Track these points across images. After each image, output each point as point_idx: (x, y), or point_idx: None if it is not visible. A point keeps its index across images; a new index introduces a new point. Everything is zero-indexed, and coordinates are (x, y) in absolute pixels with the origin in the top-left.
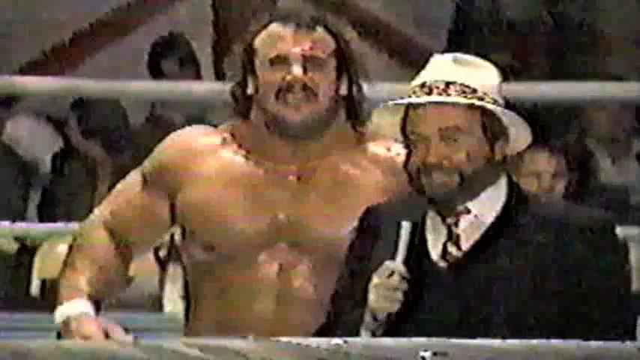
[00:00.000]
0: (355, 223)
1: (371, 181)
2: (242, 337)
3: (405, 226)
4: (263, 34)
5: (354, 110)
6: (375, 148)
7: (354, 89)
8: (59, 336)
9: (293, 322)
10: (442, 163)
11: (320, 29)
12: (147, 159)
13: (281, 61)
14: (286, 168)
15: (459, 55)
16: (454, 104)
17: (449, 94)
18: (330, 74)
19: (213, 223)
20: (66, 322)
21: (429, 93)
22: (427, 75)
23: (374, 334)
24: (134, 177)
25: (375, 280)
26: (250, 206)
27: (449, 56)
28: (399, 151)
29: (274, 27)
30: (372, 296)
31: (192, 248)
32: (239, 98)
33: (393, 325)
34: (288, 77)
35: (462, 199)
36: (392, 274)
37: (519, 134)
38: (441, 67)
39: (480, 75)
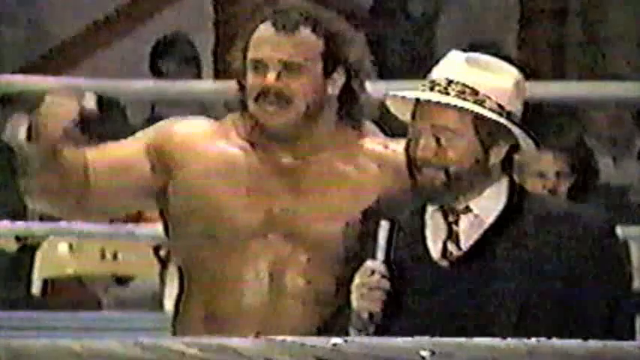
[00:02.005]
0: (349, 218)
1: (367, 176)
2: (233, 330)
3: (384, 225)
4: (255, 33)
5: (349, 108)
6: (372, 144)
7: (350, 87)
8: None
9: (283, 316)
10: (430, 159)
11: (306, 30)
12: (148, 128)
13: (260, 65)
14: (282, 162)
15: (473, 54)
16: (448, 103)
17: (447, 94)
18: (313, 77)
19: (209, 207)
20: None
21: (432, 89)
22: (436, 71)
23: (361, 333)
24: (135, 135)
25: (356, 279)
26: (246, 196)
27: (462, 55)
28: (395, 148)
29: (262, 27)
30: (353, 296)
31: (185, 235)
32: (241, 93)
33: (392, 324)
34: (263, 83)
35: (449, 198)
36: (373, 273)
37: (525, 142)
38: (451, 64)
39: (489, 77)
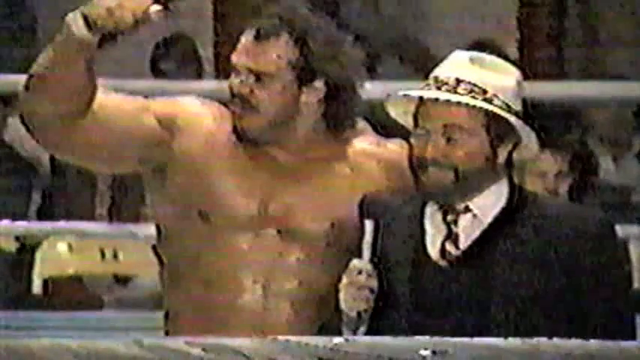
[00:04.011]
0: (341, 217)
1: (360, 175)
2: (225, 330)
3: (369, 225)
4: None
5: (335, 112)
6: (365, 144)
7: (334, 94)
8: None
9: (276, 316)
10: (439, 158)
11: (282, 39)
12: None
13: (235, 69)
14: (277, 158)
15: (476, 54)
16: (459, 102)
17: (457, 92)
18: (283, 87)
19: (205, 184)
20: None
21: (439, 88)
22: (441, 70)
23: (352, 332)
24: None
25: (344, 279)
26: (240, 182)
27: (467, 54)
28: (390, 147)
29: (245, 33)
30: (341, 295)
31: (179, 224)
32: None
33: (392, 324)
34: (231, 86)
35: (456, 197)
36: (360, 272)
37: (529, 141)
38: (457, 63)
39: (494, 76)
